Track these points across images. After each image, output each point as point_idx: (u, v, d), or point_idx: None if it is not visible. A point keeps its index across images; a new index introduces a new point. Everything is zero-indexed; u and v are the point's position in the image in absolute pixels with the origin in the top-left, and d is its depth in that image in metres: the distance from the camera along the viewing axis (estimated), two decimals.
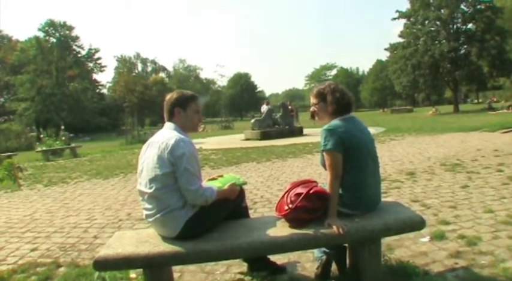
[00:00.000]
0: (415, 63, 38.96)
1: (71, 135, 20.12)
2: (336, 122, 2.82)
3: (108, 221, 5.17)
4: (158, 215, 2.63)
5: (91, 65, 65.69)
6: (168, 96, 2.89)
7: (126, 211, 5.67)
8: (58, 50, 55.18)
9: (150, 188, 2.63)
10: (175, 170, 2.56)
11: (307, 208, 2.69)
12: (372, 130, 17.02)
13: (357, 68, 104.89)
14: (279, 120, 19.60)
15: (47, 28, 57.81)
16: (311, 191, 2.74)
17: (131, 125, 24.78)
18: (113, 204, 6.20)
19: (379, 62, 78.40)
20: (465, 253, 3.24)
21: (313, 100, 3.03)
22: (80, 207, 6.18)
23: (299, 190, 2.79)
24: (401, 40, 42.43)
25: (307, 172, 7.92)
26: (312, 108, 3.06)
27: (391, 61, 47.36)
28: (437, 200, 4.96)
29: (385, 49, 47.35)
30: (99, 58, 66.12)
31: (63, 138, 18.18)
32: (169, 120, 2.83)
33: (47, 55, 54.24)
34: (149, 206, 2.68)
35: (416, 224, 2.78)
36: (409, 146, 11.09)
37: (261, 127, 18.79)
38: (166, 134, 2.71)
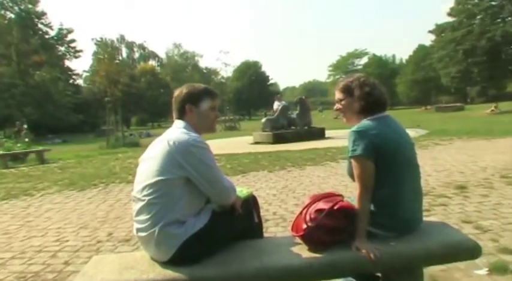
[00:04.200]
0: (468, 49, 38.68)
1: (24, 126, 19.79)
2: (366, 122, 2.83)
3: (83, 243, 5.19)
4: (151, 230, 2.64)
5: (62, 49, 65.74)
6: (177, 92, 2.97)
7: (107, 230, 5.70)
8: (18, 29, 54.42)
9: (147, 195, 2.65)
10: (193, 177, 2.63)
11: (331, 227, 2.70)
12: (411, 132, 16.96)
13: (393, 56, 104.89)
14: (296, 119, 19.65)
15: (2, 0, 56.41)
16: (335, 207, 2.74)
17: (114, 124, 24.87)
18: (89, 221, 6.24)
19: (421, 47, 78.14)
20: None
21: (338, 95, 3.05)
22: (47, 226, 6.20)
23: (320, 205, 2.79)
24: (450, 19, 42.16)
25: (330, 183, 7.93)
26: (336, 106, 3.08)
27: (436, 46, 47.21)
28: (497, 221, 4.90)
29: (430, 31, 47.28)
30: (72, 41, 66.22)
31: (26, 139, 18.20)
32: (180, 118, 2.91)
33: (4, 35, 53.23)
34: (142, 218, 2.69)
35: (468, 251, 2.74)
36: (458, 153, 11.04)
37: (273, 128, 18.89)
38: (176, 133, 2.76)
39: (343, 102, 3.01)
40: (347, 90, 2.99)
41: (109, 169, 12.50)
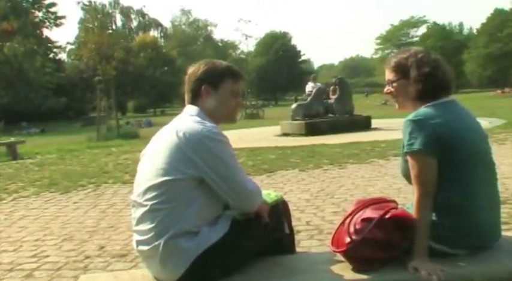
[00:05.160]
0: None
1: None
2: (427, 109, 2.79)
3: (67, 259, 5.21)
4: (155, 243, 2.64)
5: (39, 15, 65.88)
6: (192, 69, 2.98)
7: (98, 242, 5.73)
8: None
9: (151, 199, 2.65)
10: (208, 177, 2.63)
11: (381, 241, 2.67)
12: (484, 123, 16.75)
13: (461, 24, 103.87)
14: (334, 105, 19.66)
15: None
16: (387, 216, 2.72)
17: (106, 110, 25.05)
18: (76, 232, 6.27)
19: (498, 12, 76.99)
20: None
21: (389, 75, 3.02)
22: (22, 238, 6.20)
23: (368, 213, 2.77)
24: None
25: (378, 185, 7.92)
26: (386, 88, 3.05)
27: None
28: None
29: None
30: (52, 4, 66.29)
31: None
32: (193, 102, 2.92)
33: None
34: (144, 228, 2.69)
35: None
36: None
37: (306, 116, 18.89)
38: (187, 122, 2.76)
39: (395, 85, 2.98)
40: (400, 70, 2.94)
41: (100, 167, 12.59)
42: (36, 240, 6.02)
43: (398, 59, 2.98)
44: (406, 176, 2.85)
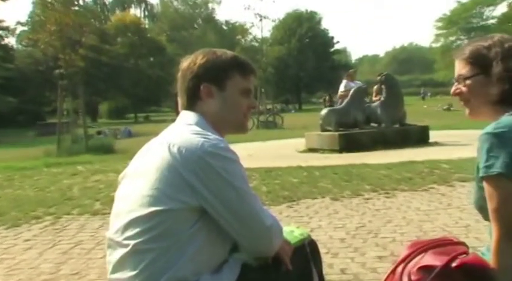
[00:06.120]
0: None
1: None
2: (510, 118, 2.77)
3: None
4: None
5: None
6: (188, 62, 2.97)
7: None
8: None
9: (134, 236, 2.62)
10: (212, 207, 2.60)
11: None
12: None
13: None
14: (379, 111, 19.69)
15: None
16: (454, 264, 2.69)
17: (70, 115, 25.13)
18: (27, 280, 6.29)
19: None
20: None
21: (462, 69, 2.95)
22: None
23: (428, 259, 2.75)
24: None
25: (438, 221, 7.82)
26: (454, 87, 3.02)
27: None
28: None
29: None
30: None
31: None
32: (190, 107, 2.91)
33: None
34: (124, 275, 2.67)
35: None
36: None
37: (340, 125, 18.92)
38: (183, 133, 2.74)
39: (468, 82, 2.92)
40: (479, 62, 2.88)
41: (61, 191, 12.60)
42: None
43: (477, 48, 2.90)
44: (481, 208, 2.82)
